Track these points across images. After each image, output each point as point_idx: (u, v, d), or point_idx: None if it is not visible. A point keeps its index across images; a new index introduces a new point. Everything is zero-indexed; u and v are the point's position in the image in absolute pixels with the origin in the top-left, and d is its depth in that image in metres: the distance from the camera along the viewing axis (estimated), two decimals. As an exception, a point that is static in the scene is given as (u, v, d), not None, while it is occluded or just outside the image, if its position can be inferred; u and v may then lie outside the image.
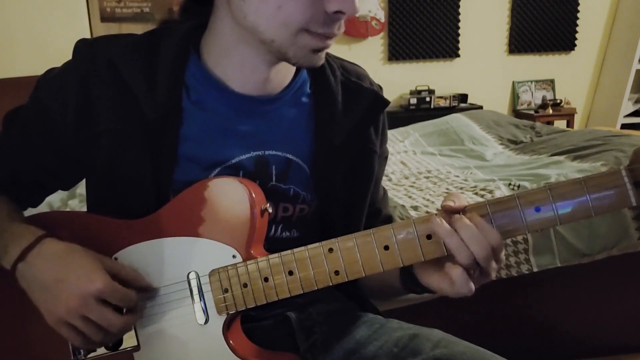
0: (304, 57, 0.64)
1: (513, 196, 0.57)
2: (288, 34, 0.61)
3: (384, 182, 1.29)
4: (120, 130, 0.67)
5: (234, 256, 0.65)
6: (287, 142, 0.73)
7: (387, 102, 0.78)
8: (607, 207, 0.55)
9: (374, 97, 0.76)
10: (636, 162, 0.53)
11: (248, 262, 0.65)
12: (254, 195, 0.65)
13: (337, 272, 0.62)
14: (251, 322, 0.74)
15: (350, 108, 0.75)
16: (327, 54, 0.75)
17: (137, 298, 0.64)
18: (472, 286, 0.58)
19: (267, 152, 0.72)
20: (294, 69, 0.75)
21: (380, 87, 0.81)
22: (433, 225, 0.58)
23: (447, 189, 1.66)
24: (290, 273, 0.64)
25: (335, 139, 0.73)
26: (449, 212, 0.59)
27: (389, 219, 0.87)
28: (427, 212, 1.40)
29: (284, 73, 0.73)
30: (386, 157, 0.85)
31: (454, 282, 0.58)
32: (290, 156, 0.73)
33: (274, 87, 0.72)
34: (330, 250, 0.62)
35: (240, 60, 0.68)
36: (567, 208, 0.55)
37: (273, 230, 0.74)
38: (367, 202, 0.79)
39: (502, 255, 0.59)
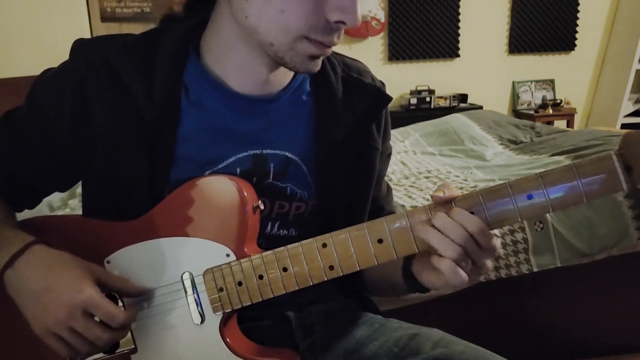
0: (301, 62, 0.63)
1: (505, 185, 0.57)
2: (288, 39, 0.61)
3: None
4: (117, 130, 0.67)
5: (227, 255, 0.65)
6: (286, 140, 0.73)
7: (389, 98, 0.77)
8: (598, 193, 0.54)
9: (376, 93, 0.76)
10: (626, 147, 0.53)
11: (242, 261, 0.64)
12: (245, 192, 0.65)
13: (331, 267, 0.62)
14: (250, 321, 0.74)
15: (351, 104, 0.74)
16: None
17: (123, 317, 0.61)
18: (464, 276, 0.57)
19: (264, 151, 0.72)
20: None
21: (383, 84, 0.81)
22: (416, 228, 0.58)
23: (447, 188, 1.66)
24: (285, 269, 0.63)
25: (336, 135, 0.73)
26: (438, 203, 0.58)
27: None
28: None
29: (283, 73, 0.72)
30: (389, 154, 0.85)
31: (444, 274, 0.57)
32: (289, 155, 0.73)
33: (273, 87, 0.72)
34: (324, 245, 0.62)
35: (239, 60, 0.68)
36: (558, 194, 0.55)
37: (269, 227, 0.74)
38: (368, 200, 0.79)
39: (494, 242, 0.58)
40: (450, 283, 0.58)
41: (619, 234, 1.38)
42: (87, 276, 0.61)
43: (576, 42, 3.86)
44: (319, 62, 0.66)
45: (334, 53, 0.78)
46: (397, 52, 3.64)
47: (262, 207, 0.68)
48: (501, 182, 1.65)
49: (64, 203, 1.74)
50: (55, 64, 0.72)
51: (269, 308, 0.72)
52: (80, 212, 0.77)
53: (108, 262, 0.67)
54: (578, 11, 3.80)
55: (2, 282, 0.62)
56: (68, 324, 0.59)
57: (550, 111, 3.66)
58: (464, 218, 0.56)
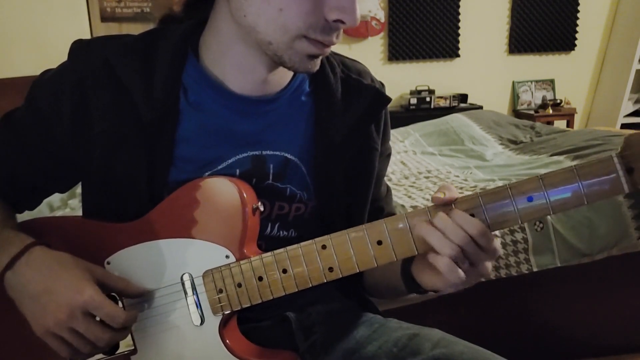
0: (300, 62, 0.63)
1: (505, 187, 0.57)
2: (286, 38, 0.61)
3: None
4: (116, 131, 0.67)
5: (227, 256, 0.65)
6: (285, 141, 0.73)
7: (388, 99, 0.77)
8: (599, 195, 0.54)
9: (375, 94, 0.76)
10: (628, 149, 0.53)
11: (241, 262, 0.64)
12: (244, 193, 0.65)
13: (330, 269, 0.62)
14: (250, 322, 0.74)
15: (351, 105, 0.74)
16: None
17: (124, 317, 0.61)
18: (462, 274, 0.57)
19: (264, 152, 0.72)
20: None
21: (383, 84, 0.81)
22: (415, 227, 0.58)
23: (447, 189, 1.66)
24: (284, 271, 0.63)
25: (335, 136, 0.73)
26: (438, 205, 0.58)
27: None
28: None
29: (282, 73, 0.72)
30: (389, 155, 0.85)
31: (442, 271, 0.57)
32: (288, 155, 0.73)
33: (272, 87, 0.72)
34: (324, 247, 0.62)
35: (238, 60, 0.68)
36: (559, 196, 0.55)
37: (269, 228, 0.74)
38: (368, 201, 0.79)
39: (494, 245, 0.58)
40: (448, 281, 0.58)
41: (619, 234, 1.38)
42: (87, 277, 0.61)
43: (576, 42, 3.86)
44: (318, 61, 0.66)
45: (333, 53, 0.77)
46: (397, 52, 3.64)
47: (261, 208, 0.68)
48: (501, 182, 1.66)
49: (64, 203, 1.74)
50: (55, 64, 0.72)
51: (269, 309, 0.72)
52: (80, 212, 0.78)
53: (108, 263, 0.67)
54: (578, 11, 3.80)
55: (2, 284, 0.62)
56: (69, 325, 0.59)
57: (550, 111, 3.66)
58: (464, 220, 0.56)
